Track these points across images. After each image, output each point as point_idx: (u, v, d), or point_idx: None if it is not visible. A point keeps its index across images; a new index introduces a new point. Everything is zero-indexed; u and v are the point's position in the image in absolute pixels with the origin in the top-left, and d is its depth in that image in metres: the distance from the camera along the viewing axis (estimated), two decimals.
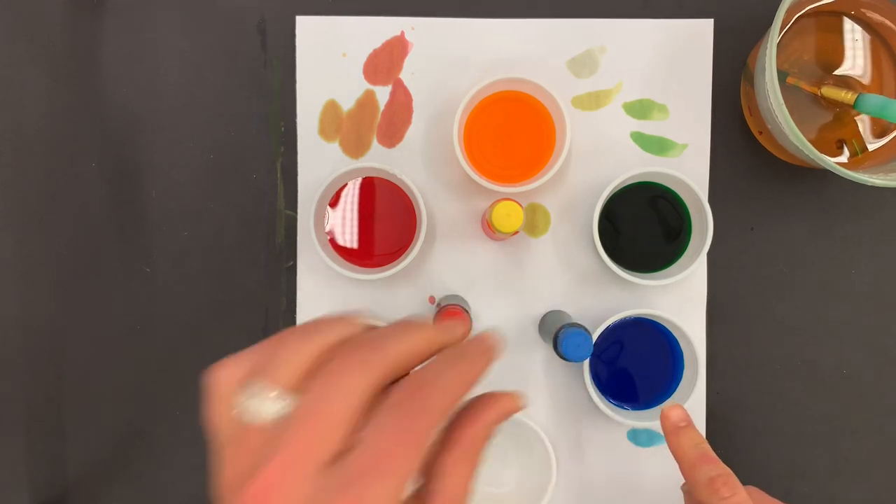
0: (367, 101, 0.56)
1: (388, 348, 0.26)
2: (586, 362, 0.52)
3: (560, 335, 0.48)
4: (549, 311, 0.55)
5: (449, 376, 0.26)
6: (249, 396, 0.27)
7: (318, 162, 0.56)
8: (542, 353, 0.56)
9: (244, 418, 0.27)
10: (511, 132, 0.54)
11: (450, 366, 0.26)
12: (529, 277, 0.56)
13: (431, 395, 0.25)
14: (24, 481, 0.57)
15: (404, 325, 0.27)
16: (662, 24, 0.56)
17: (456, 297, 0.55)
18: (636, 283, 0.53)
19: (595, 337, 0.52)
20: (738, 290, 0.56)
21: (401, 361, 0.26)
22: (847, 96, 0.48)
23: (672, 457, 0.56)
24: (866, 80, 0.51)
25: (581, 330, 0.47)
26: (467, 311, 0.51)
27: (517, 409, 0.28)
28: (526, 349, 0.56)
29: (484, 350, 0.28)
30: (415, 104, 0.56)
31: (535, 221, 0.56)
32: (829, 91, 0.49)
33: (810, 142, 0.46)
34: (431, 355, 0.27)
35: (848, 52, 0.51)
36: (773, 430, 0.56)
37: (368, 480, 0.24)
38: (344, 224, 0.55)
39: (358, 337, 0.27)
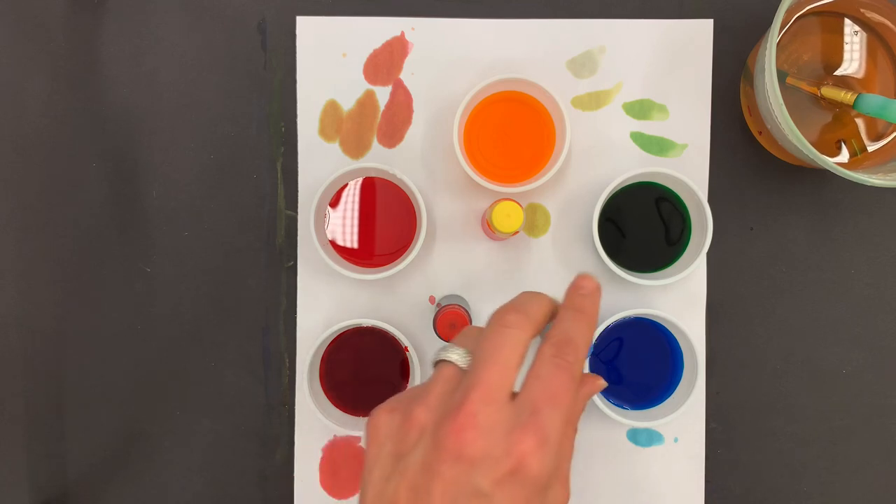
0: (367, 101, 0.56)
1: (532, 312, 0.35)
2: (586, 362, 0.52)
3: None
4: None
5: (578, 328, 0.35)
6: (443, 350, 0.35)
7: (319, 162, 0.56)
8: None
9: (439, 359, 0.35)
10: (511, 132, 0.54)
11: (574, 321, 0.35)
12: (529, 277, 0.56)
13: (572, 346, 0.34)
14: (24, 481, 0.57)
15: (535, 294, 0.36)
16: (662, 24, 0.56)
17: (456, 297, 0.55)
18: (636, 283, 0.53)
19: (595, 337, 0.52)
20: (738, 290, 0.56)
21: (540, 322, 0.35)
22: (847, 96, 0.48)
23: (670, 457, 0.56)
24: (866, 81, 0.51)
25: None
26: (467, 311, 0.51)
27: (600, 388, 0.38)
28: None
29: (592, 297, 0.36)
30: (415, 104, 0.56)
31: (535, 221, 0.56)
32: (829, 91, 0.49)
33: (810, 142, 0.46)
34: (554, 311, 0.36)
35: (847, 53, 0.51)
36: (773, 430, 0.56)
37: (549, 409, 0.32)
38: (344, 224, 0.55)
39: (510, 303, 0.35)
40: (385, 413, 0.34)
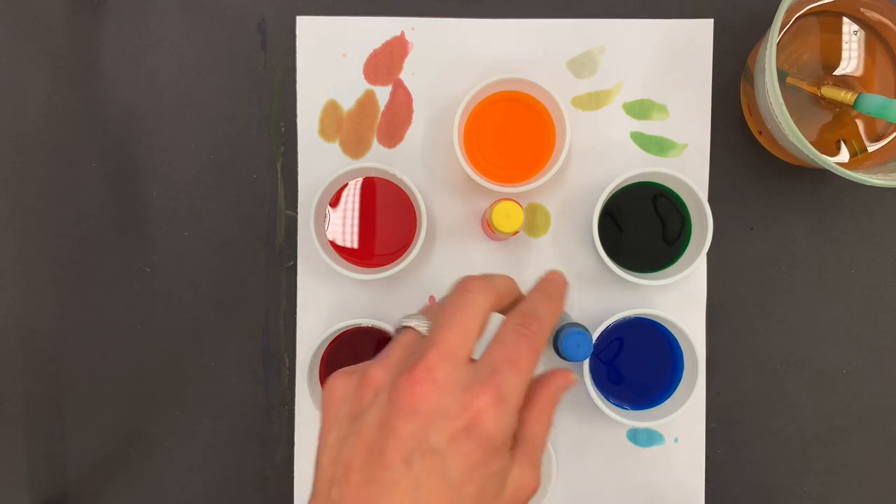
0: (367, 101, 0.56)
1: (496, 283, 0.35)
2: (586, 362, 0.52)
3: (560, 335, 0.48)
4: None
5: (545, 307, 0.35)
6: (405, 318, 0.35)
7: (319, 162, 0.56)
8: (540, 358, 0.56)
9: (399, 326, 0.35)
10: (511, 132, 0.54)
11: (541, 301, 0.35)
12: (529, 277, 0.56)
13: (537, 320, 0.34)
14: (24, 481, 0.57)
15: (498, 274, 0.36)
16: (662, 24, 0.56)
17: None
18: (636, 283, 0.53)
19: (595, 337, 0.52)
20: (738, 290, 0.56)
21: (503, 294, 0.35)
22: (847, 96, 0.48)
23: (670, 457, 0.56)
24: (866, 80, 0.51)
25: (581, 330, 0.47)
26: None
27: (573, 383, 0.36)
28: None
29: (559, 287, 0.37)
30: (415, 104, 0.56)
31: (535, 221, 0.56)
32: (829, 91, 0.49)
33: (810, 142, 0.46)
34: (518, 297, 0.36)
35: (847, 52, 0.51)
36: (773, 430, 0.56)
37: (507, 371, 0.32)
38: (344, 224, 0.55)
39: (473, 276, 0.36)
40: (342, 376, 0.34)
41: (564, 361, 0.50)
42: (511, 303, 0.36)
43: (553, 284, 0.37)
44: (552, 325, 0.35)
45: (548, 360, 0.56)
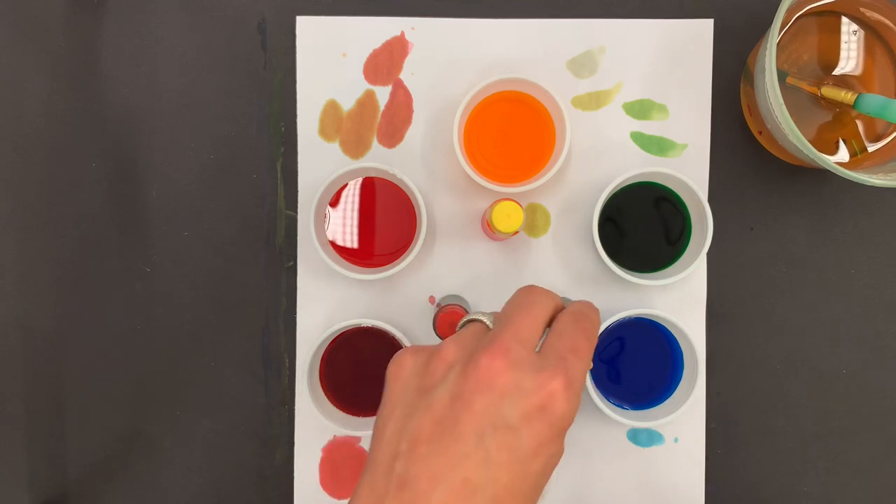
0: (367, 101, 0.56)
1: (552, 292, 0.37)
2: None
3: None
4: None
5: (591, 312, 0.37)
6: (472, 314, 0.37)
7: (319, 162, 0.56)
8: None
9: (466, 320, 0.37)
10: (511, 132, 0.54)
11: (587, 308, 0.37)
12: (529, 278, 0.56)
13: (588, 318, 0.36)
14: (24, 481, 0.57)
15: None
16: (662, 24, 0.56)
17: (456, 297, 0.55)
18: (636, 283, 0.53)
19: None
20: (738, 290, 0.56)
21: (558, 303, 0.37)
22: (847, 96, 0.48)
23: (670, 457, 0.56)
24: (866, 80, 0.51)
25: None
26: (467, 312, 0.51)
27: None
28: None
29: (594, 307, 0.38)
30: (415, 104, 0.56)
31: (535, 221, 0.56)
32: (829, 91, 0.49)
33: (810, 142, 0.46)
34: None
35: (847, 52, 0.51)
36: (773, 430, 0.56)
37: (574, 359, 0.34)
38: (344, 224, 0.55)
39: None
40: (410, 352, 0.35)
41: None
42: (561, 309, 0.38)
43: (587, 304, 0.39)
44: (598, 327, 0.37)
45: None
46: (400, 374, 0.34)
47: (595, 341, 0.36)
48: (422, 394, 0.33)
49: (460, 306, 0.51)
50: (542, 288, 0.37)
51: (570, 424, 0.33)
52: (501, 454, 0.31)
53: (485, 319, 0.36)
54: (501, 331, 0.34)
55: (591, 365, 0.38)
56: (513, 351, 0.33)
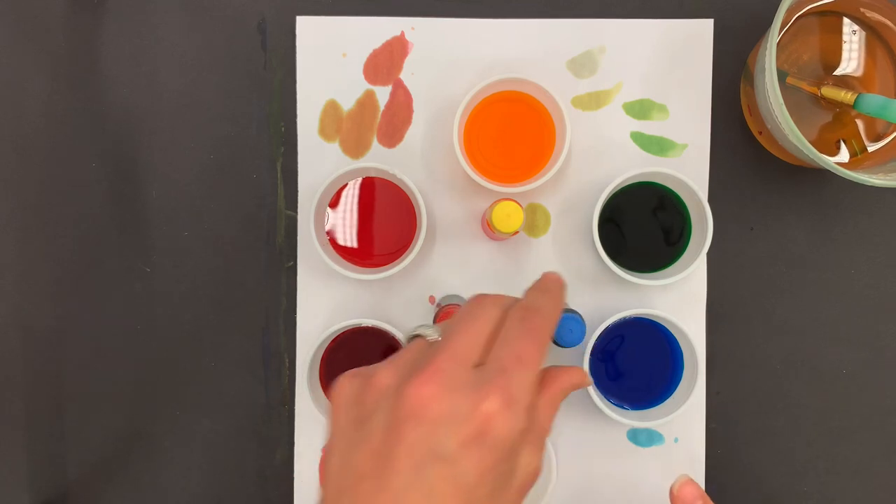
0: (367, 101, 0.56)
1: (507, 298, 0.35)
2: (586, 362, 0.52)
3: None
4: None
5: (544, 300, 0.35)
6: (417, 327, 0.35)
7: (319, 162, 0.56)
8: None
9: (411, 335, 0.35)
10: (511, 132, 0.54)
11: (540, 295, 0.35)
12: (529, 277, 0.56)
13: (538, 312, 0.33)
14: (24, 481, 0.57)
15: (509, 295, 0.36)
16: (662, 24, 0.56)
17: (456, 297, 0.55)
18: (636, 283, 0.53)
19: (595, 337, 0.52)
20: (738, 290, 0.56)
21: (510, 305, 0.34)
22: (847, 96, 0.48)
23: (670, 457, 0.57)
24: (866, 80, 0.51)
25: (574, 315, 0.47)
26: None
27: (588, 384, 0.36)
28: None
29: (556, 282, 0.36)
30: (415, 104, 0.56)
31: (535, 221, 0.56)
32: (829, 91, 0.49)
33: (810, 142, 0.46)
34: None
35: (847, 52, 0.51)
36: (773, 430, 0.56)
37: (514, 369, 0.31)
38: (344, 224, 0.55)
39: (485, 292, 0.36)
40: (347, 378, 0.33)
41: (557, 347, 0.49)
42: None
43: (550, 281, 0.37)
44: (554, 318, 0.35)
45: (548, 362, 0.56)
46: (340, 403, 0.33)
47: (547, 336, 0.33)
48: (358, 425, 0.31)
49: (460, 306, 0.51)
50: (493, 296, 0.35)
51: (515, 445, 0.31)
52: (444, 487, 0.29)
53: (428, 334, 0.34)
54: (438, 350, 0.32)
55: (584, 382, 0.35)
56: (446, 373, 0.30)
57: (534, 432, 0.32)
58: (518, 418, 0.30)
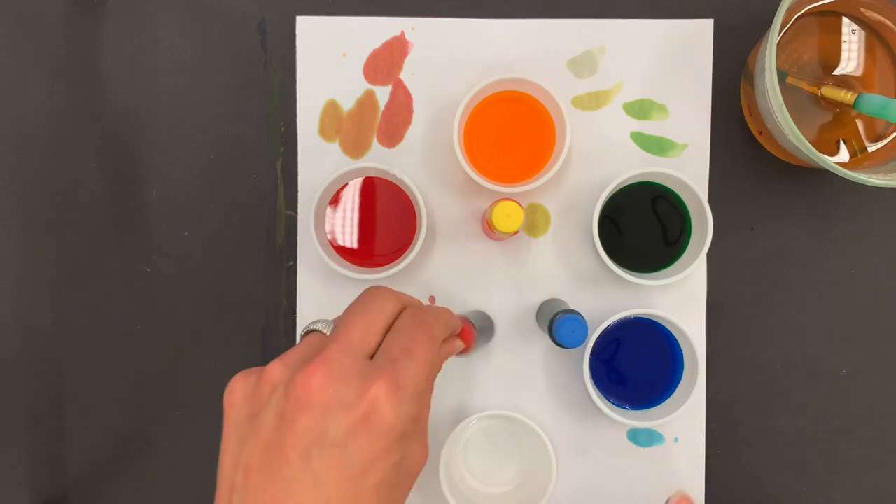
0: (367, 101, 0.56)
1: (398, 292, 0.36)
2: (586, 362, 0.52)
3: (555, 322, 0.48)
4: (546, 300, 0.55)
5: (437, 310, 0.37)
6: (311, 323, 0.35)
7: (319, 162, 0.56)
8: (541, 353, 0.56)
9: (306, 331, 0.35)
10: (511, 132, 0.54)
11: (431, 304, 0.38)
12: (529, 277, 0.56)
13: (430, 312, 0.35)
14: (24, 481, 0.57)
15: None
16: (662, 24, 0.56)
17: (479, 313, 0.55)
18: (636, 283, 0.53)
19: (595, 337, 0.52)
20: (738, 290, 0.56)
21: (406, 301, 0.36)
22: (847, 96, 0.48)
23: (670, 457, 0.57)
24: (866, 80, 0.51)
25: (576, 316, 0.47)
26: (473, 325, 0.50)
27: (461, 347, 0.40)
28: (526, 349, 0.56)
29: (448, 314, 0.38)
30: (415, 104, 0.56)
31: (535, 221, 0.56)
32: (829, 91, 0.49)
33: (810, 142, 0.46)
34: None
35: (847, 52, 0.51)
36: (773, 430, 0.56)
37: (405, 360, 0.32)
38: (344, 224, 0.55)
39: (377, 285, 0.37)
40: (240, 377, 0.33)
41: (560, 349, 0.49)
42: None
43: (444, 309, 0.38)
44: (446, 325, 0.36)
45: (545, 348, 0.56)
46: (233, 402, 0.33)
47: (438, 333, 0.34)
48: (251, 420, 0.32)
49: (467, 319, 0.50)
50: (386, 288, 0.36)
51: (406, 431, 0.31)
52: (331, 474, 0.30)
53: (323, 328, 0.35)
54: (329, 342, 0.32)
55: (457, 350, 0.37)
56: (336, 362, 0.31)
57: (419, 419, 0.33)
58: (405, 403, 0.31)
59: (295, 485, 0.29)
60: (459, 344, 0.40)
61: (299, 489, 0.29)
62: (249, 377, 0.33)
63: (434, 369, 0.35)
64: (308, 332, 0.35)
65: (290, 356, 0.33)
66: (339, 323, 0.34)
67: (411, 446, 0.32)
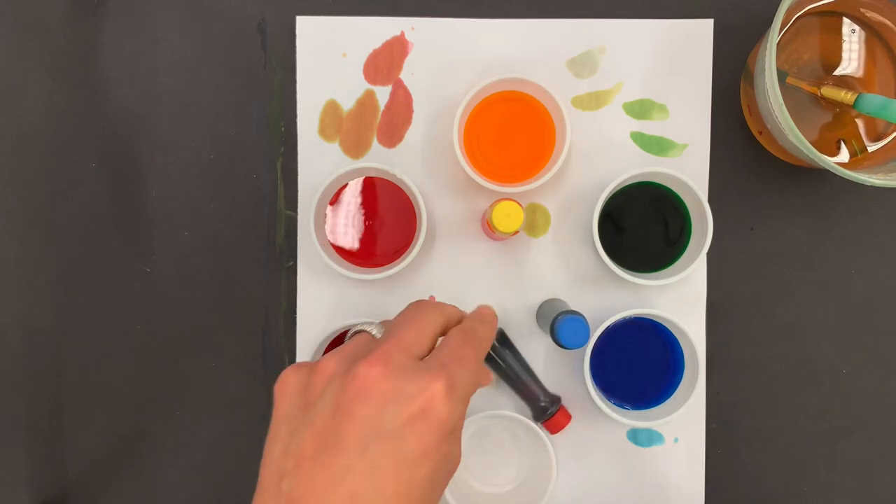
0: (367, 101, 0.56)
1: (445, 306, 0.38)
2: (587, 362, 0.52)
3: (557, 323, 0.48)
4: (547, 300, 0.55)
5: (482, 328, 0.37)
6: (361, 324, 0.37)
7: (319, 162, 0.56)
8: (541, 352, 0.56)
9: (355, 331, 0.37)
10: (511, 132, 0.54)
11: (478, 323, 0.38)
12: (529, 277, 0.56)
13: (476, 335, 0.36)
14: (24, 481, 0.57)
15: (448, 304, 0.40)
16: (662, 24, 0.56)
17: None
18: (636, 283, 0.53)
19: (595, 337, 0.52)
20: (738, 290, 0.56)
21: (450, 316, 0.38)
22: (847, 96, 0.48)
23: (670, 457, 0.57)
24: (866, 80, 0.51)
25: (578, 317, 0.47)
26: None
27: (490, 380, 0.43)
28: (526, 349, 0.56)
29: (491, 315, 0.39)
30: (415, 104, 0.56)
31: (535, 221, 0.56)
32: (829, 91, 0.49)
33: (810, 142, 0.46)
34: (460, 322, 0.39)
35: (847, 52, 0.51)
36: (773, 430, 0.56)
37: (456, 366, 0.33)
38: (344, 224, 0.55)
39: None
40: (293, 369, 0.34)
41: (562, 350, 0.49)
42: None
43: (486, 314, 0.39)
44: (487, 343, 0.37)
45: (546, 349, 0.56)
46: (285, 393, 0.34)
47: (481, 355, 0.36)
48: (305, 410, 0.32)
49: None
50: (433, 302, 0.38)
51: (455, 429, 0.33)
52: (387, 462, 0.30)
53: (372, 330, 0.36)
54: (385, 340, 0.34)
55: (488, 381, 0.39)
56: (393, 358, 0.32)
57: (461, 427, 0.34)
58: (458, 403, 0.33)
59: (349, 473, 0.30)
60: (490, 378, 0.43)
61: (353, 477, 0.30)
62: (302, 369, 0.34)
63: (476, 386, 0.36)
64: (357, 332, 0.36)
65: (344, 352, 0.34)
66: (392, 326, 0.35)
67: (456, 444, 0.33)
